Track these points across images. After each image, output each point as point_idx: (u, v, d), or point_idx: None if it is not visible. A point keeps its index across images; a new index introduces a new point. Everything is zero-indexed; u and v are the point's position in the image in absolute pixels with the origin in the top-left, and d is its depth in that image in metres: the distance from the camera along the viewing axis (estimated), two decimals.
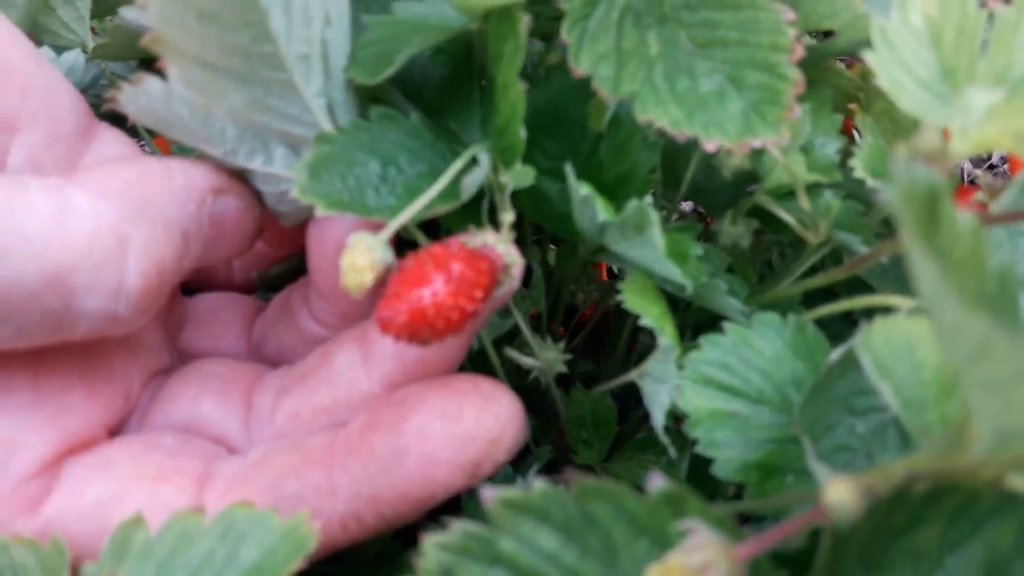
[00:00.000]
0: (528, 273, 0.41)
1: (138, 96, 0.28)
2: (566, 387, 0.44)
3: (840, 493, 0.16)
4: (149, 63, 0.48)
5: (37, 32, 0.48)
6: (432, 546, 0.21)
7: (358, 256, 0.27)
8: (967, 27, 0.24)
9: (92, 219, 0.27)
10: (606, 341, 0.51)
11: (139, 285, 0.28)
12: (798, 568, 0.21)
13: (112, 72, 0.48)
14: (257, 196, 0.33)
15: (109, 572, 0.26)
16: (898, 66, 0.24)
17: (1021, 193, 0.28)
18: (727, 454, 0.29)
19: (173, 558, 0.26)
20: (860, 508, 0.17)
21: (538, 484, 0.21)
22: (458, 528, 0.21)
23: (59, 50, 0.47)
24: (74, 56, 0.44)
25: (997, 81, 0.24)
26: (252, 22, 0.25)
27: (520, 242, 0.44)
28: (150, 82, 0.28)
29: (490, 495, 0.21)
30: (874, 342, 0.23)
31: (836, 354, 0.26)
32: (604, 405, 0.41)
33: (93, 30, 0.52)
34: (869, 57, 0.24)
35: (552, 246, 0.50)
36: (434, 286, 0.26)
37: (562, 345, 0.38)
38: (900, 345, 0.23)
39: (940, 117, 0.23)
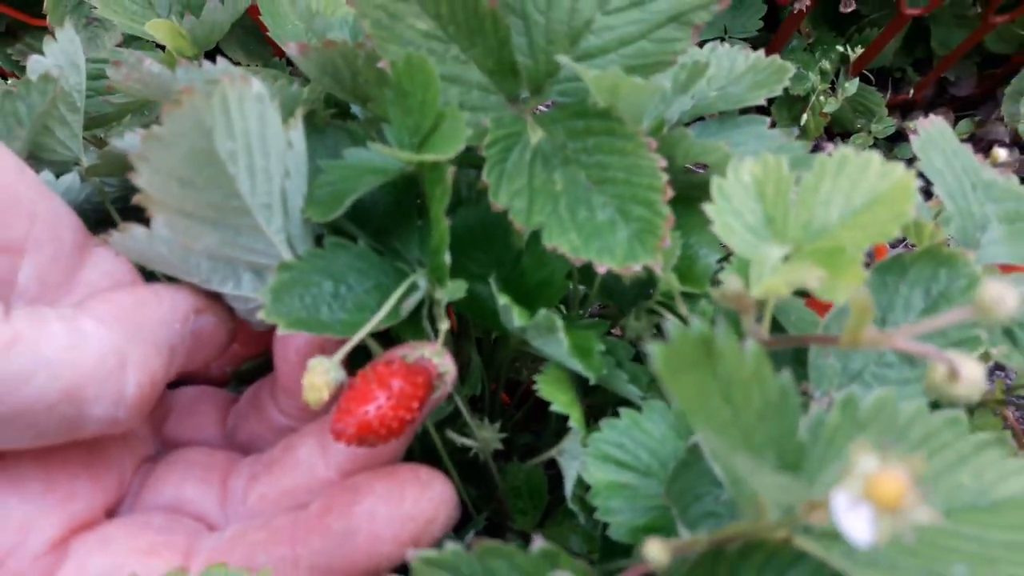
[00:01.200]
0: (468, 361, 0.47)
1: (125, 240, 0.35)
2: (507, 457, 0.50)
3: (654, 550, 0.23)
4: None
5: (37, 151, 0.54)
6: None
7: (316, 377, 0.34)
8: (782, 185, 0.32)
9: (98, 343, 0.33)
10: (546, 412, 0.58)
11: (136, 394, 0.34)
12: None
13: (103, 181, 0.55)
14: (230, 312, 0.40)
15: None
16: (731, 214, 0.32)
17: (842, 312, 0.36)
18: (620, 519, 0.35)
19: None
20: (667, 562, 0.23)
21: (450, 546, 0.27)
22: None
23: (56, 165, 0.53)
24: (71, 178, 0.51)
25: (804, 229, 0.31)
26: (222, 185, 0.32)
27: (463, 331, 0.51)
28: (135, 229, 0.34)
29: (412, 555, 0.27)
30: None
31: (696, 437, 0.33)
32: (536, 476, 0.47)
33: (89, 139, 0.59)
34: (708, 208, 0.31)
35: None
36: (378, 402, 0.33)
37: (498, 425, 0.45)
38: None
39: (760, 257, 0.30)
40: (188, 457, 0.41)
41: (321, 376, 0.33)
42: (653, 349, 0.21)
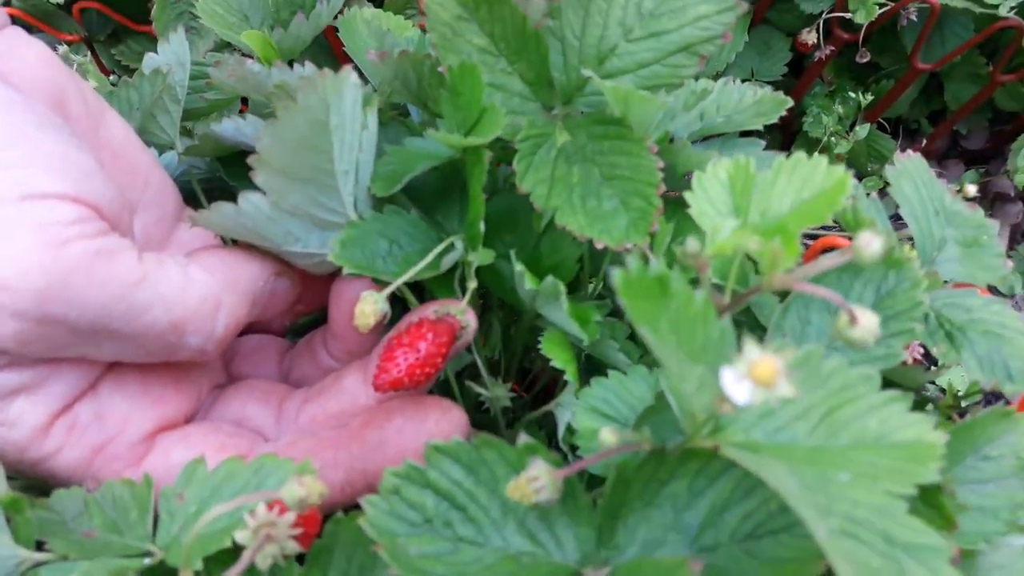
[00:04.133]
0: (490, 328, 0.55)
1: (213, 216, 0.43)
2: (513, 426, 0.57)
3: (606, 435, 0.30)
4: (220, 159, 0.64)
5: (141, 134, 0.64)
6: (387, 473, 0.35)
7: (366, 306, 0.42)
8: (748, 181, 0.39)
9: (202, 288, 0.42)
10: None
11: (223, 334, 0.43)
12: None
13: (191, 164, 0.64)
14: (299, 277, 0.48)
15: (179, 492, 0.39)
16: (706, 202, 0.39)
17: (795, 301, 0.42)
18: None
19: (222, 485, 0.39)
20: (616, 443, 0.30)
21: (455, 439, 0.35)
22: (404, 462, 0.35)
23: (158, 148, 0.63)
24: (170, 156, 0.60)
25: (761, 215, 0.38)
26: (324, 150, 0.40)
27: (488, 305, 0.58)
28: (223, 205, 0.43)
29: (427, 444, 0.35)
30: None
31: (661, 385, 0.40)
32: (534, 434, 0.54)
33: (180, 130, 0.68)
34: (687, 195, 0.39)
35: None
36: (408, 360, 0.40)
37: (509, 386, 0.52)
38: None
39: (716, 226, 0.37)
40: (252, 384, 0.49)
41: (371, 306, 0.41)
42: (614, 273, 0.28)
